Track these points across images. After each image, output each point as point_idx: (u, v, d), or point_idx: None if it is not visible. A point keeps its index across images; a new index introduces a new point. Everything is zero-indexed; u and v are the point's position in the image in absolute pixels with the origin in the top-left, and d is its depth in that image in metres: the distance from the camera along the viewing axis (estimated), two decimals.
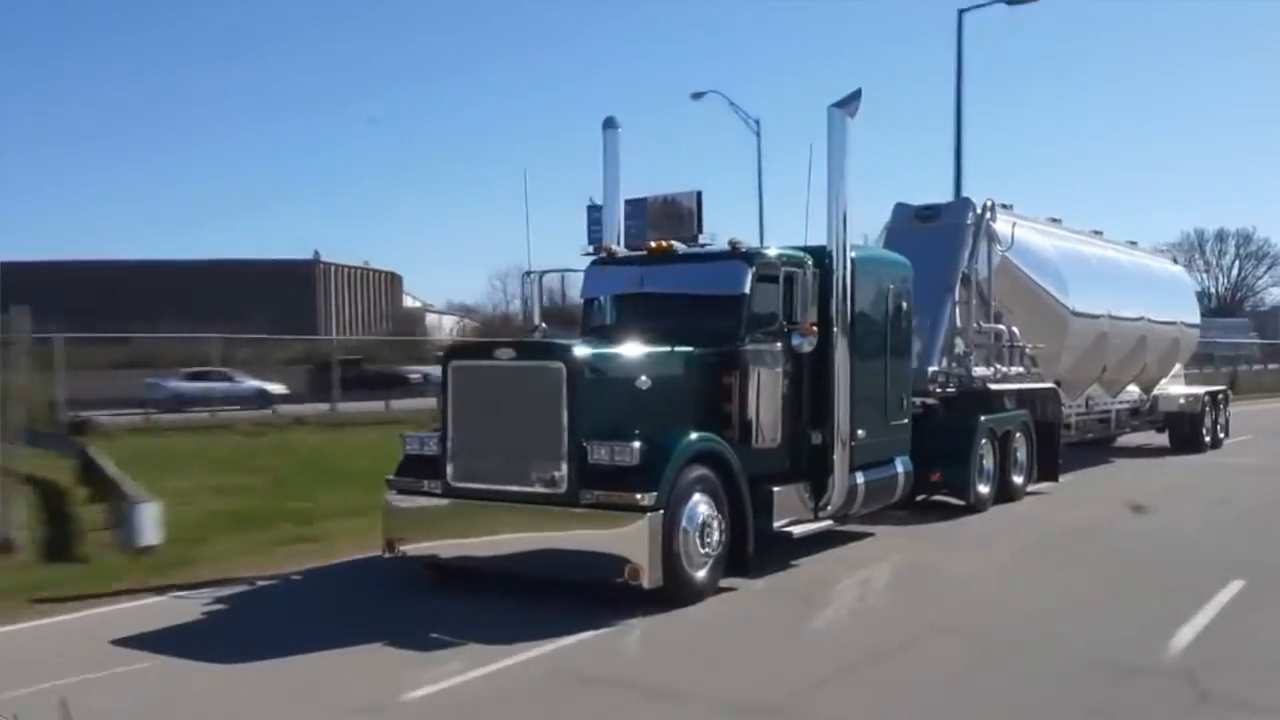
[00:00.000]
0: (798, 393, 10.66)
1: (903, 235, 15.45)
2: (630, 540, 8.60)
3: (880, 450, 11.81)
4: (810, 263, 10.34)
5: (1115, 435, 21.22)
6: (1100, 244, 19.90)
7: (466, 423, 9.39)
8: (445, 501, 9.45)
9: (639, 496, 8.61)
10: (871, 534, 12.42)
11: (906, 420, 12.43)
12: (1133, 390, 21.35)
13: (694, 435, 9.27)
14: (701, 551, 9.10)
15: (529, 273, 11.44)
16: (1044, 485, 15.69)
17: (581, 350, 9.10)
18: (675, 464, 8.88)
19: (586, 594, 8.89)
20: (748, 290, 10.33)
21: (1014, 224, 15.93)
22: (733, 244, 10.58)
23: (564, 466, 8.89)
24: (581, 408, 8.90)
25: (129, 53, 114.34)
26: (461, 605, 9.10)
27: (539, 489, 9.00)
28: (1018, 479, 15.07)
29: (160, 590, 9.79)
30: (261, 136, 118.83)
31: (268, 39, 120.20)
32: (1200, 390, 23.18)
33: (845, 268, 10.66)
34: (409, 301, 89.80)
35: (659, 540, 8.66)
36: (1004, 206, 16.15)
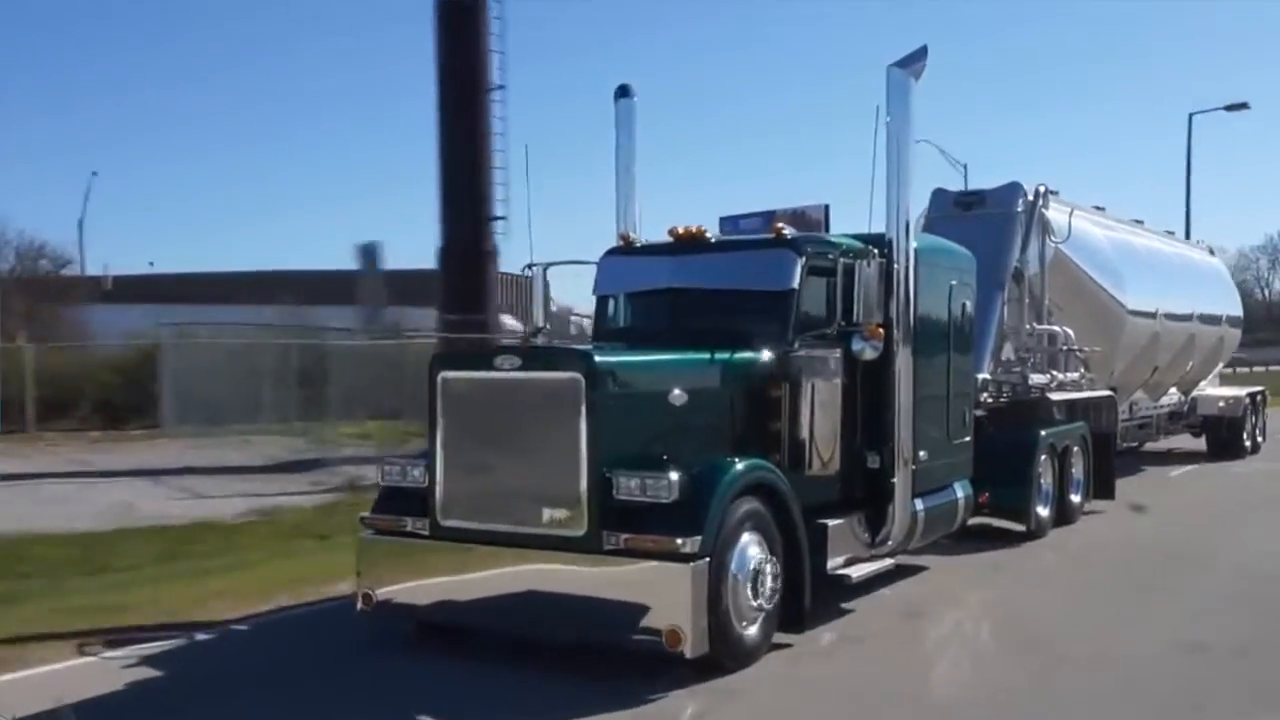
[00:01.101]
0: (852, 407, 8.95)
1: (941, 226, 13.72)
2: (669, 597, 6.85)
3: (941, 474, 10.11)
4: (875, 252, 8.57)
5: (1148, 441, 19.71)
6: (1145, 234, 18.30)
7: (460, 448, 7.63)
8: (433, 544, 7.69)
9: (680, 541, 6.86)
10: (925, 567, 10.73)
11: (969, 438, 10.72)
12: (1173, 393, 19.84)
13: (743, 462, 7.53)
14: (753, 604, 7.37)
15: (530, 265, 9.66)
16: (1099, 503, 14.08)
17: (604, 358, 7.34)
18: (723, 499, 7.15)
19: (612, 661, 7.15)
20: (797, 284, 8.60)
21: (1070, 211, 14.27)
22: (777, 229, 8.83)
23: (583, 502, 7.14)
24: (604, 428, 7.16)
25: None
26: (453, 674, 7.37)
27: (551, 531, 7.26)
28: (1075, 498, 13.43)
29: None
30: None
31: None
32: (1241, 392, 21.65)
33: (908, 258, 8.95)
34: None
35: (704, 595, 6.92)
36: (1051, 192, 14.50)
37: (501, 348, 7.74)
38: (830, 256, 8.80)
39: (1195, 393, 20.79)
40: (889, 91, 8.97)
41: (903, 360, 8.94)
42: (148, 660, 7.80)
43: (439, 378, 7.69)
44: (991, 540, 11.95)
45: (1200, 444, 21.25)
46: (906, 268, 8.90)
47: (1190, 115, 28.95)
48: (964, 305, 10.43)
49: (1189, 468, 19.67)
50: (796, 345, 8.47)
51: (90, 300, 40.23)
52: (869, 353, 8.56)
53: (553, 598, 7.21)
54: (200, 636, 8.52)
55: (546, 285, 9.73)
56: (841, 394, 8.69)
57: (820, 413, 8.45)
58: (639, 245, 9.66)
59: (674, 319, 8.98)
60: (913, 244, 9.03)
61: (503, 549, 7.40)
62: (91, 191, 74.34)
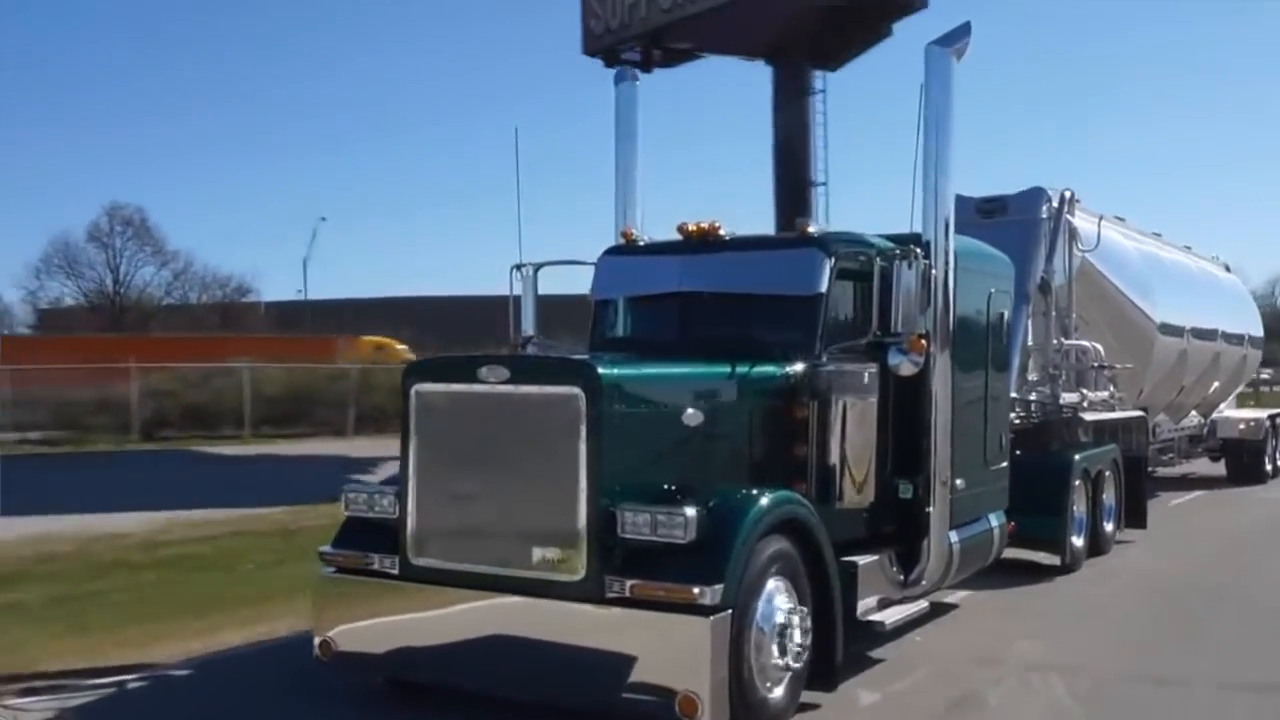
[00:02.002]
0: (884, 429, 7.87)
1: (962, 234, 12.72)
2: (683, 656, 5.73)
3: (978, 503, 9.00)
4: (919, 252, 7.47)
5: (1164, 466, 18.70)
6: (1168, 247, 17.30)
7: (436, 474, 6.49)
8: (403, 586, 6.56)
9: (697, 590, 5.74)
10: (954, 605, 9.65)
11: (1005, 464, 9.61)
12: (1193, 415, 18.85)
13: (768, 495, 6.40)
14: (779, 662, 6.26)
15: (518, 266, 8.52)
16: (1130, 532, 13.03)
17: (609, 370, 6.20)
18: (747, 539, 6.02)
19: None
20: (825, 288, 7.51)
21: (1099, 219, 13.24)
22: (802, 226, 7.75)
23: (581, 541, 6.02)
24: (608, 453, 6.04)
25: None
26: None
27: (542, 574, 6.13)
28: (1108, 526, 12.39)
29: None
30: None
31: None
32: (1262, 414, 20.67)
33: (948, 261, 7.87)
34: None
35: (725, 654, 5.81)
36: (1075, 198, 13.47)
37: (487, 356, 6.56)
38: (863, 257, 7.72)
39: (1215, 415, 19.81)
40: (928, 71, 7.94)
41: (940, 376, 7.84)
42: None
43: (412, 390, 6.55)
44: (1020, 574, 10.88)
45: (1218, 468, 20.29)
46: (946, 271, 7.83)
47: None
48: (1002, 316, 9.35)
49: (1212, 494, 18.67)
50: (825, 358, 7.38)
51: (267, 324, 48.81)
52: (908, 367, 7.46)
53: (543, 653, 6.08)
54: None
55: (536, 287, 8.58)
56: (877, 414, 7.60)
57: (853, 435, 7.37)
58: (643, 244, 8.55)
59: (683, 327, 7.87)
60: (952, 244, 7.96)
61: (484, 594, 6.26)
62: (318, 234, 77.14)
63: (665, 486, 6.27)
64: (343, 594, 6.81)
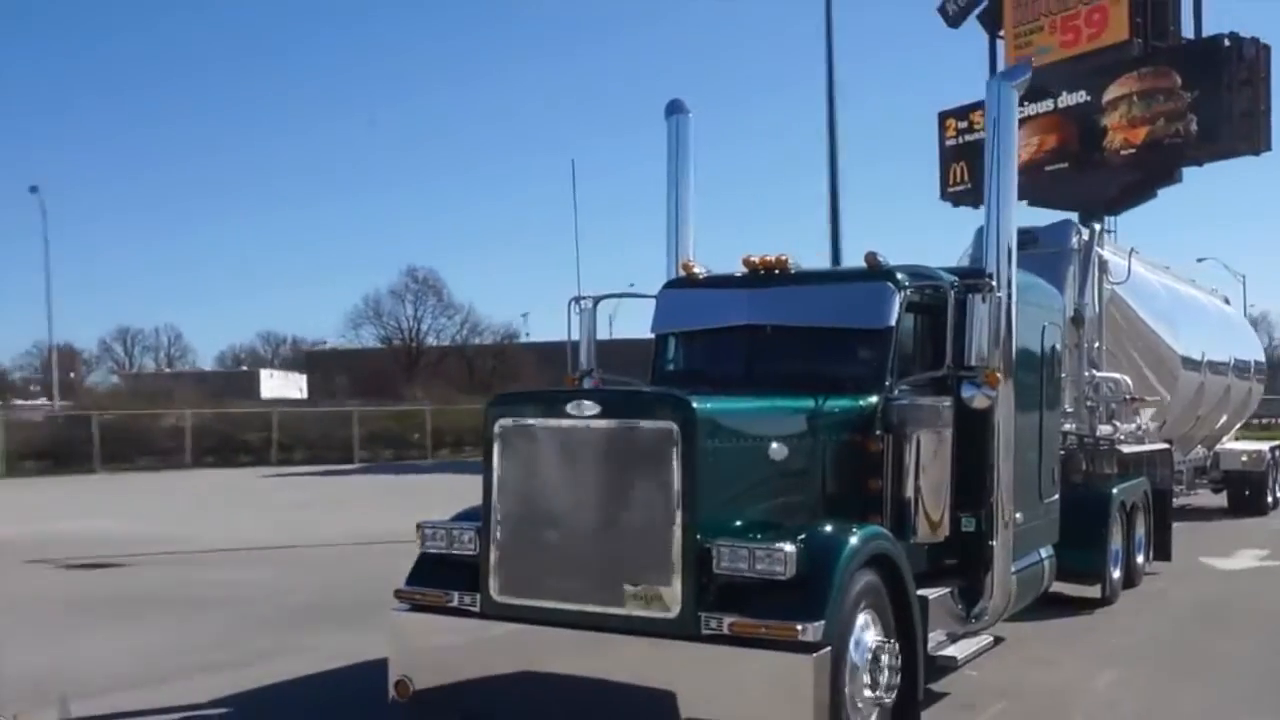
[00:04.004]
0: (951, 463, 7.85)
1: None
2: (785, 693, 5.66)
3: (1033, 537, 8.99)
4: (993, 286, 7.49)
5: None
6: (1181, 281, 17.46)
7: (521, 510, 6.41)
8: (485, 625, 6.45)
9: (799, 627, 5.67)
10: (1001, 638, 9.60)
11: (1057, 497, 9.61)
12: (1198, 447, 18.96)
13: (859, 530, 6.36)
14: (870, 696, 6.20)
15: (577, 299, 8.48)
16: (1155, 565, 13.05)
17: (702, 404, 6.15)
18: (843, 575, 5.97)
19: None
20: (894, 321, 7.52)
21: (1130, 252, 13.34)
22: (870, 259, 7.75)
23: (676, 578, 5.94)
24: (701, 488, 5.98)
25: None
26: None
27: (635, 611, 6.04)
28: (1139, 558, 12.40)
29: None
30: None
31: None
32: (1264, 446, 20.79)
33: (1011, 294, 7.90)
34: None
35: (826, 690, 5.74)
36: (1107, 231, 13.59)
37: (576, 390, 6.50)
38: (929, 290, 7.74)
39: (1218, 447, 19.94)
40: (989, 106, 8.02)
41: (1004, 409, 7.85)
42: None
43: (496, 425, 6.47)
44: (1056, 606, 10.84)
45: (1220, 500, 20.40)
46: (1009, 303, 7.85)
47: None
48: (1054, 348, 9.38)
49: (1216, 524, 18.76)
50: (895, 391, 7.37)
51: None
52: (981, 400, 7.47)
53: (635, 692, 5.98)
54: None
55: (595, 322, 8.54)
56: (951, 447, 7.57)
57: (929, 469, 7.33)
58: (704, 276, 8.53)
59: (749, 360, 7.85)
60: (1015, 277, 7.99)
61: (572, 632, 6.18)
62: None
63: (756, 521, 6.23)
64: (420, 632, 6.70)
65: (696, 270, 8.51)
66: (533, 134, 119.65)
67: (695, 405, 6.05)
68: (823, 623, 5.72)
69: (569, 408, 6.26)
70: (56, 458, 34.32)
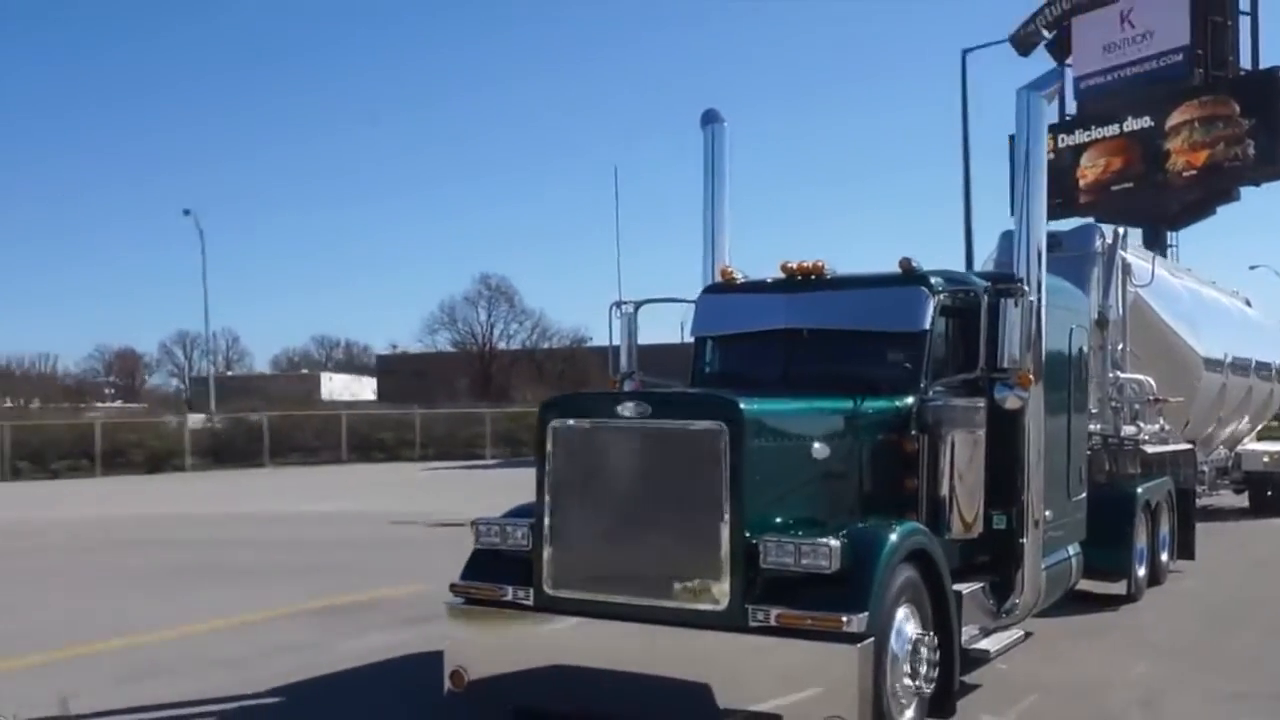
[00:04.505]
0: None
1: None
2: (831, 682, 5.91)
3: (1062, 534, 9.22)
4: (1026, 290, 7.74)
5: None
6: (1204, 283, 17.63)
7: (573, 507, 6.67)
8: (539, 617, 6.72)
9: (844, 619, 5.92)
10: (1030, 632, 9.83)
11: (1084, 496, 9.84)
12: (1220, 448, 19.12)
13: (898, 526, 6.62)
14: (910, 685, 6.45)
15: (618, 304, 8.75)
16: (1179, 563, 13.25)
17: (750, 405, 6.41)
18: (885, 569, 6.23)
19: None
20: (929, 325, 7.76)
21: (1154, 256, 13.55)
22: (905, 264, 8.00)
23: (724, 572, 6.20)
24: (749, 486, 6.24)
25: None
26: None
27: (684, 604, 6.30)
28: (1164, 556, 12.59)
29: None
30: None
31: None
32: None
33: (1041, 297, 8.13)
34: None
35: (870, 679, 5.99)
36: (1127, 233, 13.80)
37: (627, 392, 6.78)
38: (962, 294, 7.99)
39: (1239, 448, 20.09)
40: (1019, 114, 8.23)
41: (1034, 409, 8.08)
42: None
43: (550, 425, 6.74)
44: (1079, 603, 11.05)
45: (1241, 500, 20.55)
46: (1039, 307, 8.09)
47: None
48: (1081, 350, 9.62)
49: (1243, 525, 18.94)
50: (929, 392, 7.62)
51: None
52: (1014, 401, 7.71)
53: (683, 681, 6.25)
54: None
55: (635, 326, 8.80)
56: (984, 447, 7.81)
57: (963, 468, 7.56)
58: (743, 282, 8.78)
59: (788, 363, 8.10)
60: (1044, 280, 8.23)
61: (623, 624, 6.44)
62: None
63: (800, 518, 6.48)
64: (474, 625, 6.97)
65: (735, 275, 8.77)
66: (607, 142, 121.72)
67: (743, 406, 6.31)
68: (867, 614, 5.96)
69: (620, 409, 6.52)
70: (219, 455, 38.29)
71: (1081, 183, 33.27)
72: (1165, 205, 32.93)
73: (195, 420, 41.81)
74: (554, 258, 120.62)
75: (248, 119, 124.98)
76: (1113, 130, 32.85)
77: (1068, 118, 33.83)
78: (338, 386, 79.01)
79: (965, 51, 35.26)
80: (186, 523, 20.70)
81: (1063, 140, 33.01)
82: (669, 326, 9.36)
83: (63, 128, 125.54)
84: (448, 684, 6.95)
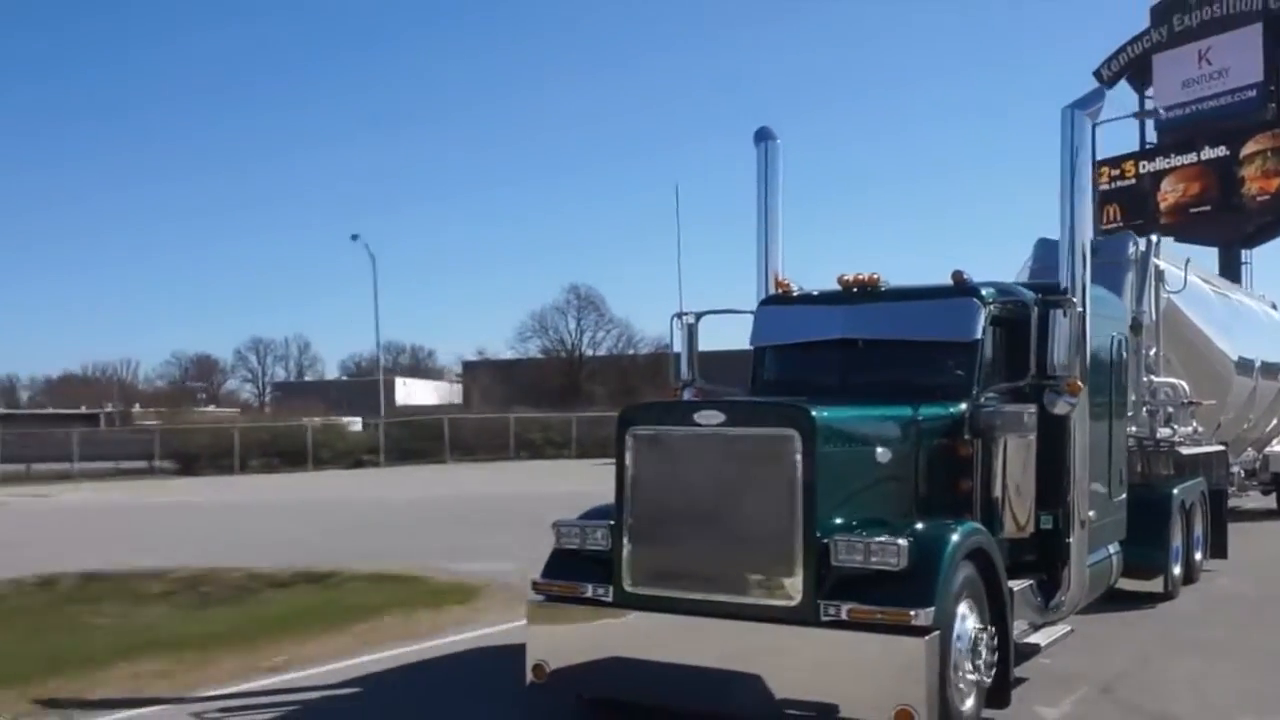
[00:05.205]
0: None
1: (1048, 276, 13.28)
2: (900, 673, 6.31)
3: (1103, 534, 9.59)
4: (1075, 301, 8.14)
5: None
6: (1234, 288, 17.94)
7: (652, 509, 7.09)
8: (618, 613, 7.14)
9: (913, 613, 6.33)
10: (1068, 628, 10.19)
11: (1124, 496, 10.22)
12: (1249, 450, 19.39)
13: (959, 526, 7.03)
14: (971, 677, 6.84)
15: (679, 314, 9.17)
16: (1212, 563, 13.58)
17: (820, 412, 6.82)
18: (949, 566, 6.63)
19: None
20: (980, 334, 8.16)
21: (1186, 262, 13.87)
22: (957, 277, 8.39)
23: (797, 569, 6.61)
24: (819, 488, 6.65)
25: None
26: None
27: (760, 600, 6.71)
28: (1198, 555, 12.93)
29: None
30: None
31: None
32: None
33: (1086, 307, 8.51)
34: None
35: (936, 670, 6.38)
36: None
37: (703, 401, 7.19)
38: (1011, 305, 8.38)
39: (1267, 450, 20.34)
40: (1064, 130, 8.60)
41: (1079, 414, 8.47)
42: None
43: (629, 433, 7.17)
44: (1118, 600, 11.40)
45: (1269, 502, 20.79)
46: (1085, 317, 8.47)
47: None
48: (1122, 357, 10.00)
49: (1270, 523, 19.24)
50: (982, 399, 8.01)
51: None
52: (1063, 407, 8.10)
53: (759, 674, 6.65)
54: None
55: (696, 336, 9.23)
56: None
57: (1015, 471, 7.95)
58: (800, 294, 9.19)
59: (845, 371, 8.51)
60: (1093, 291, 8.62)
61: (699, 619, 6.85)
62: None
63: (862, 518, 6.88)
64: (556, 620, 7.39)
65: (791, 288, 9.17)
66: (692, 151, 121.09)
67: (815, 413, 6.72)
68: (933, 609, 6.36)
69: (697, 416, 6.95)
70: (402, 453, 44.26)
71: (1162, 205, 37.01)
72: (1240, 227, 36.76)
73: (354, 423, 48.36)
74: (641, 267, 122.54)
75: (316, 120, 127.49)
76: (1190, 158, 36.67)
77: (1148, 145, 37.56)
78: (413, 391, 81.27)
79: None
80: (480, 499, 24.77)
81: (1144, 166, 37.27)
82: (725, 335, 9.84)
83: (133, 142, 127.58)
84: (529, 676, 7.38)
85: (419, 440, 45.36)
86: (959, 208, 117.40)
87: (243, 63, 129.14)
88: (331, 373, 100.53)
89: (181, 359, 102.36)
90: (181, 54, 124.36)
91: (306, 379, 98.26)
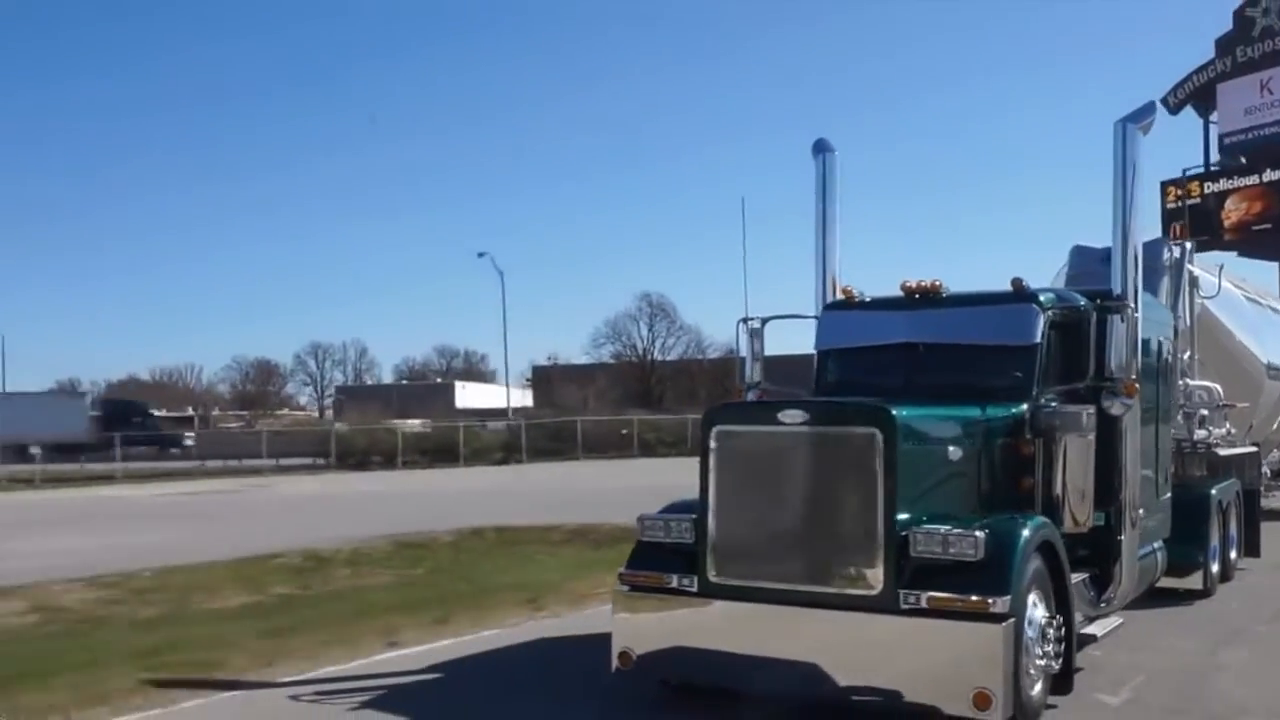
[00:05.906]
0: None
1: (1086, 283, 13.65)
2: (978, 658, 6.69)
3: (1150, 531, 9.98)
4: (1131, 308, 8.54)
5: None
6: (1265, 294, 18.29)
7: (736, 504, 7.49)
8: (703, 602, 7.54)
9: (990, 601, 6.72)
10: (1120, 620, 10.57)
11: (1169, 495, 10.62)
12: (1276, 451, 19.75)
13: (1030, 520, 7.43)
14: (1040, 664, 7.24)
15: (746, 319, 9.57)
16: (1245, 561, 13.94)
17: (900, 411, 7.22)
18: (1022, 558, 7.02)
19: None
20: (1040, 339, 8.56)
21: (1220, 268, 14.24)
22: (1016, 284, 8.79)
23: (879, 560, 7.00)
24: (899, 484, 7.04)
25: None
26: None
27: (841, 589, 7.11)
28: (1233, 554, 13.31)
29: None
30: None
31: None
32: None
33: (1138, 312, 8.91)
34: None
35: (1011, 655, 6.77)
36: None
37: (788, 401, 7.60)
38: (1068, 311, 8.76)
39: None
40: (1116, 143, 8.98)
41: (1131, 416, 8.86)
42: None
43: (714, 431, 7.57)
44: (1157, 596, 11.74)
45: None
46: (1137, 322, 8.86)
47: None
48: (1167, 361, 10.39)
49: None
50: (1042, 400, 8.40)
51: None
52: (1119, 408, 8.49)
53: (840, 659, 7.05)
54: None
55: (762, 341, 9.64)
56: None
57: (1074, 469, 8.32)
58: (862, 300, 9.59)
59: (909, 374, 8.89)
60: (1141, 297, 9.00)
61: (780, 608, 7.25)
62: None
63: (934, 511, 7.27)
64: (641, 610, 7.78)
65: (854, 294, 9.58)
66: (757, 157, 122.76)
67: (894, 413, 7.12)
68: (1009, 597, 6.75)
69: (782, 416, 7.35)
70: (540, 451, 48.58)
71: (1226, 223, 38.80)
72: None
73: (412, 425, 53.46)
74: (708, 275, 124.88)
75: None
76: (1253, 180, 38.42)
77: (1214, 167, 39.42)
78: (471, 395, 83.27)
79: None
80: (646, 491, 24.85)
81: (1208, 187, 39.17)
82: (787, 340, 10.28)
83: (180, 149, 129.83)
84: (615, 663, 7.78)
85: (549, 440, 50.08)
86: (989, 214, 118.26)
87: (302, 66, 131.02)
88: (387, 377, 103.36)
89: (242, 363, 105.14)
90: (221, 57, 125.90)
91: (366, 383, 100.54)
